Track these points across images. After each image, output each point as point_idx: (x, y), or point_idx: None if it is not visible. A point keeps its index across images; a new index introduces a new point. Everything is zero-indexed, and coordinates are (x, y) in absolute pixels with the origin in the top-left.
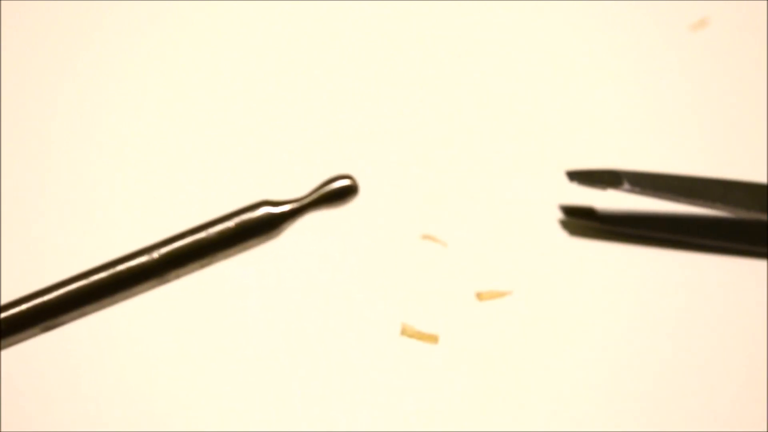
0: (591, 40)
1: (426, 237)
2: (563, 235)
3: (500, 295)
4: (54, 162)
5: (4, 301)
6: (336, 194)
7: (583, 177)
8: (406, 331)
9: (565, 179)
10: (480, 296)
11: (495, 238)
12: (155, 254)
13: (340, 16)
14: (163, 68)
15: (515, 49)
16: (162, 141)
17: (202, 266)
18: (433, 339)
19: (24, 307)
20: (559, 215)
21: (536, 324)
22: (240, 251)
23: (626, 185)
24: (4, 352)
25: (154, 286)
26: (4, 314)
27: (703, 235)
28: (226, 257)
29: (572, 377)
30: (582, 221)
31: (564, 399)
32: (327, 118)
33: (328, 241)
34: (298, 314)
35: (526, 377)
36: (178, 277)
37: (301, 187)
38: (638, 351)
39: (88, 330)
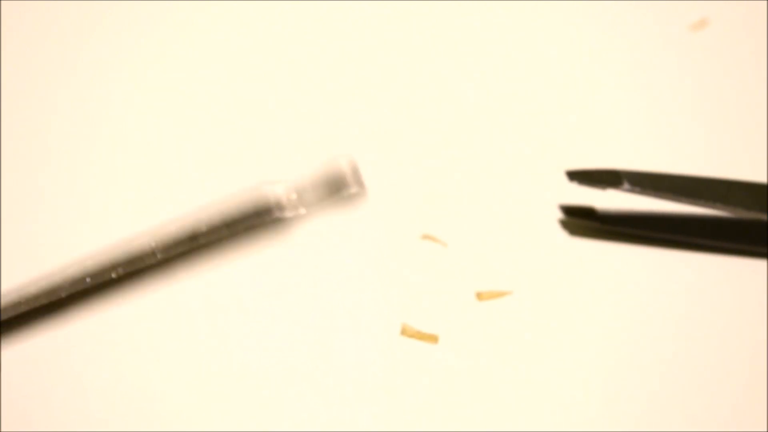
0: (591, 40)
1: (426, 237)
2: (563, 235)
3: (500, 295)
4: (55, 164)
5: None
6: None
7: (583, 177)
8: (406, 331)
9: (565, 179)
10: (480, 296)
11: (495, 238)
12: (155, 244)
13: (340, 17)
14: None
15: (515, 49)
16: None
17: (204, 265)
18: (433, 339)
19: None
20: (559, 215)
21: (536, 324)
22: (244, 253)
23: (626, 185)
24: (4, 352)
25: (157, 280)
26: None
27: (703, 235)
28: (229, 258)
29: (572, 377)
30: (582, 221)
31: (564, 399)
32: (327, 118)
33: (328, 240)
34: (298, 314)
35: (525, 377)
36: (181, 272)
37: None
38: (638, 351)
39: (89, 328)
